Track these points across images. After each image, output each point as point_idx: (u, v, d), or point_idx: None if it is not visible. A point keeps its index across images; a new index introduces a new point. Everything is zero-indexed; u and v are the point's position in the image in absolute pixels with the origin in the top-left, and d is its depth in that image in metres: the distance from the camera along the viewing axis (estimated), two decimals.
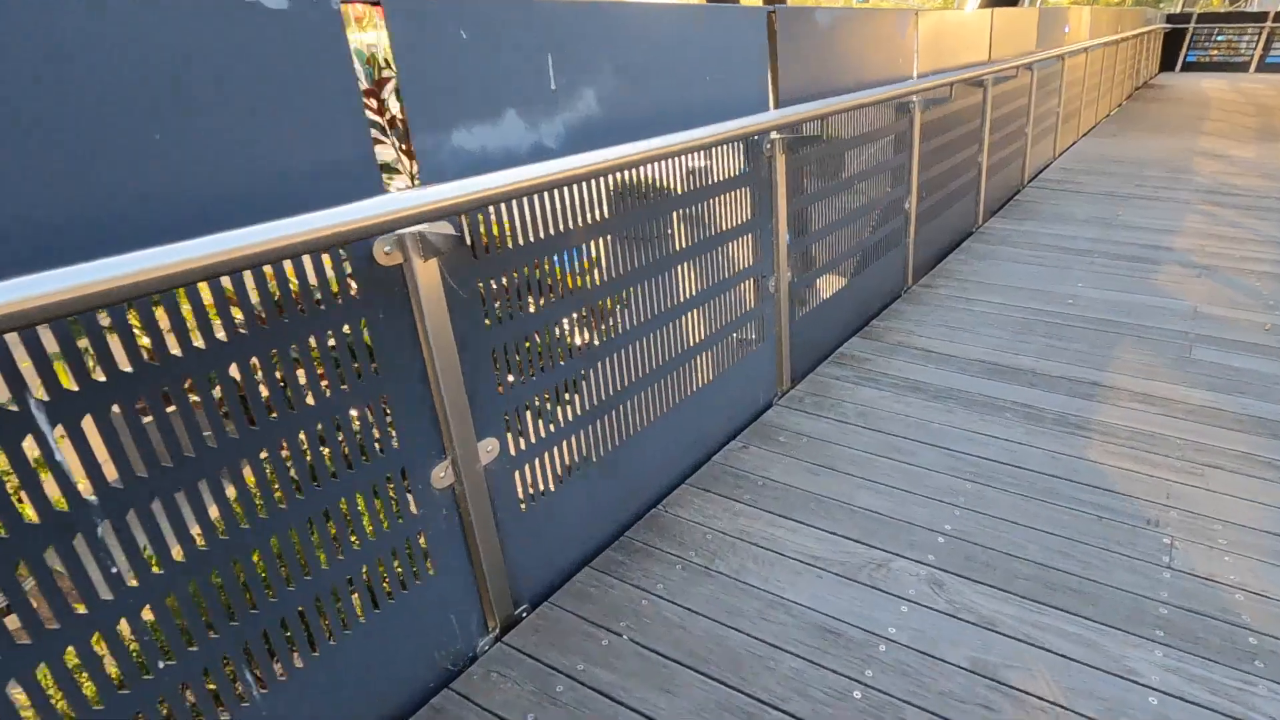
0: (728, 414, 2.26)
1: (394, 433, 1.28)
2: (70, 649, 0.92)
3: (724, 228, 2.08)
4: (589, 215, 1.60)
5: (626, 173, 1.69)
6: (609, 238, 1.70)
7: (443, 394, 1.32)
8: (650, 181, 1.78)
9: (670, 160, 1.80)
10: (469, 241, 1.34)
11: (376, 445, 1.25)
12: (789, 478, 2.07)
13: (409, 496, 1.33)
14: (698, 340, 2.05)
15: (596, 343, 1.69)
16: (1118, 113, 9.41)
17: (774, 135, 2.20)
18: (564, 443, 1.65)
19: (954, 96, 3.64)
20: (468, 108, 1.30)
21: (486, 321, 1.40)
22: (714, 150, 1.96)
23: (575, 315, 1.63)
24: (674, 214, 1.89)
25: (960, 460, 2.13)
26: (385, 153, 1.89)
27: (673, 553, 1.79)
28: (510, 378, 1.48)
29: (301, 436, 1.13)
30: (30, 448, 0.87)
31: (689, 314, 2.00)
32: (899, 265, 3.38)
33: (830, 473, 2.09)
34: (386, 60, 2.17)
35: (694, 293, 2.00)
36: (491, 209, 1.38)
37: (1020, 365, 2.68)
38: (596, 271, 1.67)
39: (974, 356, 2.76)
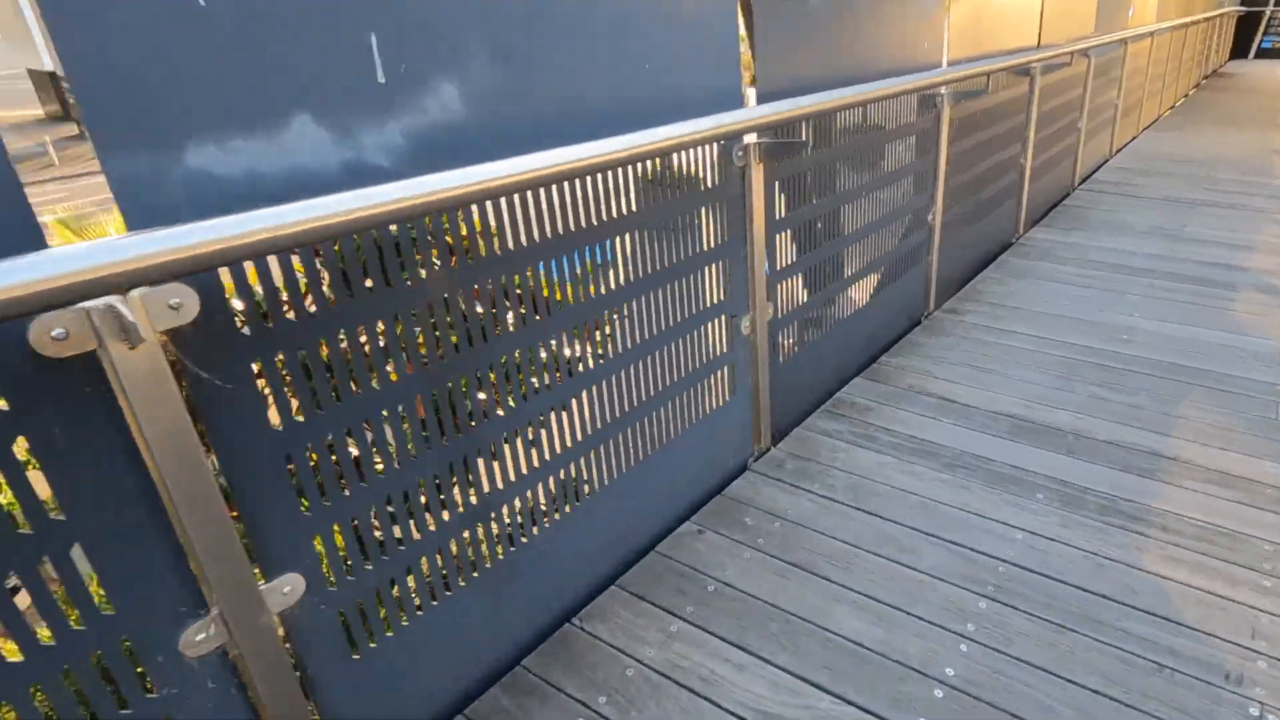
0: (682, 487, 1.82)
1: (101, 593, 0.87)
2: None
3: (679, 258, 1.63)
4: (483, 249, 1.17)
5: (531, 194, 1.25)
6: (515, 278, 1.27)
7: (188, 530, 0.91)
8: (571, 202, 1.33)
9: (596, 176, 1.36)
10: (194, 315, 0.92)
11: (70, 615, 0.85)
12: (749, 581, 1.62)
13: (139, 676, 0.92)
14: (642, 400, 1.61)
15: (470, 425, 1.26)
16: (1183, 104, 8.60)
17: (748, 140, 1.73)
18: (427, 557, 1.24)
19: (993, 88, 3.11)
20: (217, 112, 0.87)
21: (274, 419, 0.99)
22: (658, 161, 1.51)
23: (446, 388, 1.20)
24: (605, 244, 1.45)
25: (974, 563, 1.65)
26: None
27: (578, 697, 1.36)
28: (332, 487, 1.07)
29: None
30: None
31: (629, 368, 1.56)
32: (918, 287, 2.87)
33: (803, 576, 1.63)
34: None
35: (637, 341, 1.56)
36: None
37: (1058, 423, 2.18)
38: (491, 322, 1.24)
39: (1001, 408, 2.27)
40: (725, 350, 1.85)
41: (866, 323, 2.54)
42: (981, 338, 2.74)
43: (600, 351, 1.48)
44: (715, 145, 1.64)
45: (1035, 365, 2.53)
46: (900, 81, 2.18)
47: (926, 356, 2.61)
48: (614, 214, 1.42)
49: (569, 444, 1.45)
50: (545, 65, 1.24)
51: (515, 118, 1.21)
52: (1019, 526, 1.76)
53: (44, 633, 0.83)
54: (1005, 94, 3.26)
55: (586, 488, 1.52)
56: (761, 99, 1.75)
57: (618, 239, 1.45)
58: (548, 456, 1.41)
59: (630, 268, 1.50)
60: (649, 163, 1.47)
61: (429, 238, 1.13)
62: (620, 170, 1.41)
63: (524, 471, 1.37)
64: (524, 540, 1.41)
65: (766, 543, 1.73)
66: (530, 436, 1.37)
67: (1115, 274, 3.32)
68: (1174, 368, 2.48)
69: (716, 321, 1.80)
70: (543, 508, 1.43)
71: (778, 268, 1.98)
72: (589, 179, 1.34)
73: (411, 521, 1.19)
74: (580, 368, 1.44)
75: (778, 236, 1.95)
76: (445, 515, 1.24)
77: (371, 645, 1.18)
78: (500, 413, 1.29)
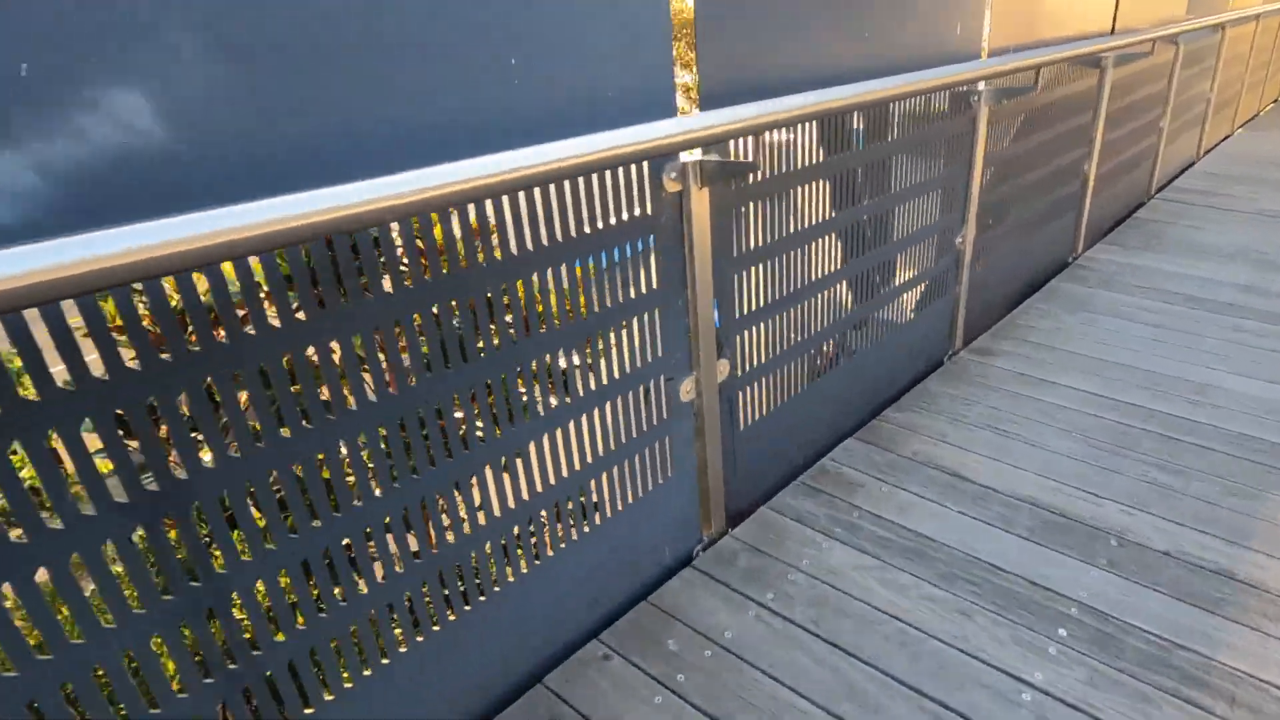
0: (595, 593, 1.44)
1: None
2: None
3: (589, 311, 1.24)
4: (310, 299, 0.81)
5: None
6: (324, 346, 0.92)
7: None
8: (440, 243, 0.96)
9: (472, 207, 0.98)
10: None
11: None
12: None
13: None
14: (540, 491, 1.24)
15: (232, 555, 0.90)
16: None
17: (686, 158, 1.32)
18: None
19: (1055, 81, 2.58)
20: None
21: None
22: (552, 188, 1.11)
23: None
24: (481, 293, 1.07)
25: None
26: None
27: None
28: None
29: None
30: None
31: (522, 451, 1.19)
32: (940, 321, 2.40)
33: None
34: None
35: (525, 418, 1.19)
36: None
37: (1099, 519, 1.71)
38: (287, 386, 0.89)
39: (1027, 492, 1.81)
40: (660, 420, 1.46)
41: (866, 369, 2.10)
42: (1014, 390, 2.26)
43: (470, 431, 1.11)
44: (635, 166, 1.24)
45: (1078, 432, 2.04)
46: (919, 78, 1.72)
47: (941, 413, 2.15)
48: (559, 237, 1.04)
49: (417, 559, 1.09)
50: (330, 63, 0.86)
51: (279, 142, 0.83)
52: (1030, 682, 1.32)
53: None
54: (1067, 89, 2.72)
55: (429, 622, 1.16)
56: (707, 102, 1.33)
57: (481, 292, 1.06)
58: (407, 568, 1.05)
59: (512, 327, 1.12)
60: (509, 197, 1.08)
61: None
62: (482, 206, 1.03)
63: (308, 621, 1.01)
64: (330, 697, 1.06)
65: (689, 681, 1.34)
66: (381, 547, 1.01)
67: (1191, 309, 2.77)
68: (1259, 445, 1.96)
69: (646, 387, 1.41)
70: (376, 642, 1.08)
71: (737, 315, 1.57)
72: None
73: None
74: (424, 460, 1.07)
75: (737, 276, 1.54)
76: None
77: None
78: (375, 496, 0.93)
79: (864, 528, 1.70)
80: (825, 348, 1.89)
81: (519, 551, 1.26)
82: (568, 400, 1.26)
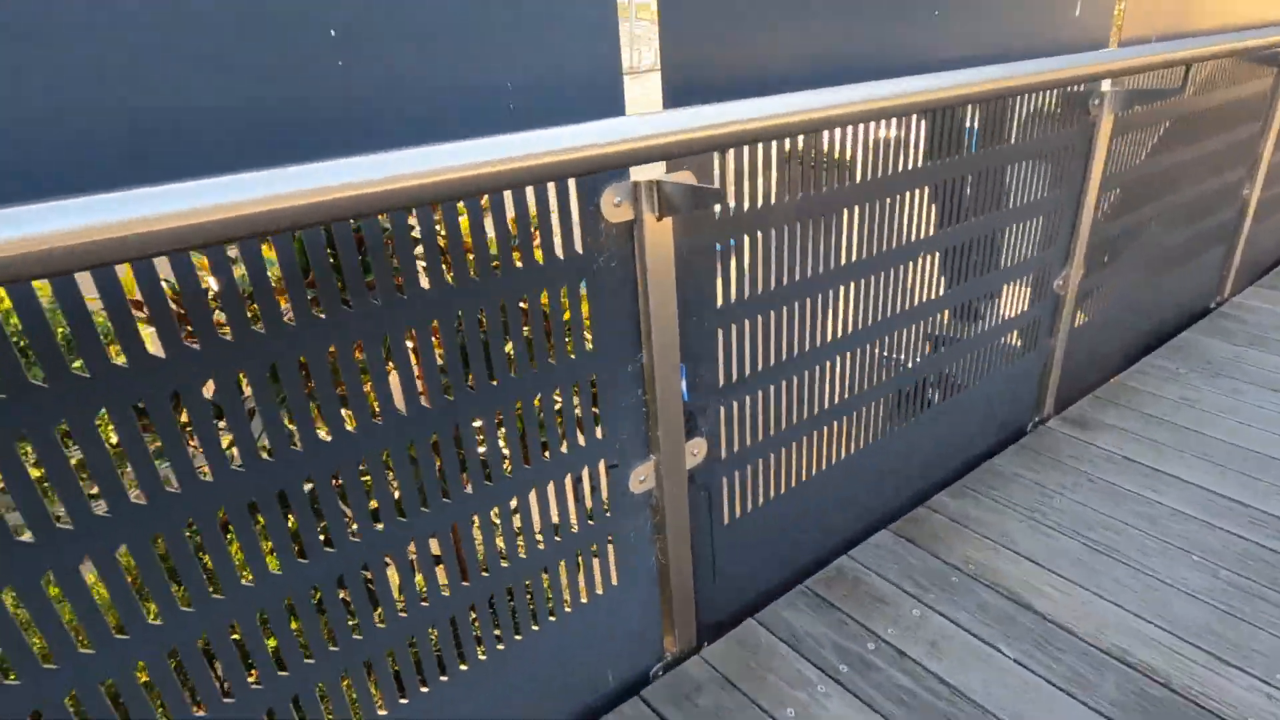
0: None
1: None
2: None
3: (485, 381, 0.90)
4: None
5: None
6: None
7: None
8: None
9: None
10: None
11: None
12: None
13: None
14: (392, 622, 0.93)
15: None
16: None
17: (639, 175, 0.95)
18: None
19: (1200, 84, 2.01)
20: None
21: None
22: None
23: None
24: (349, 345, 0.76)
25: None
26: None
27: None
28: None
29: None
30: None
31: (363, 564, 0.89)
32: (1025, 380, 1.91)
33: None
34: None
35: (412, 515, 0.88)
36: None
37: (1223, 700, 1.22)
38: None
39: (1117, 641, 1.33)
40: (600, 519, 1.11)
41: (916, 438, 1.65)
42: (1115, 481, 1.75)
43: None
44: (557, 186, 0.89)
45: (1200, 554, 1.53)
46: (1012, 73, 1.27)
47: (1011, 505, 1.68)
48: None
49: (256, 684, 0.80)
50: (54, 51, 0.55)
51: None
52: None
53: None
54: (1228, 91, 2.13)
55: None
56: (674, 98, 0.95)
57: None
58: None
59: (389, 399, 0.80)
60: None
61: None
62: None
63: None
64: None
65: None
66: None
67: None
68: None
69: (577, 476, 1.06)
70: None
71: (721, 382, 1.19)
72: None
73: None
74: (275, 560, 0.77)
75: (722, 332, 1.16)
76: None
77: None
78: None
79: (880, 669, 1.29)
80: (858, 415, 1.47)
81: (408, 664, 0.95)
82: (445, 499, 0.93)
